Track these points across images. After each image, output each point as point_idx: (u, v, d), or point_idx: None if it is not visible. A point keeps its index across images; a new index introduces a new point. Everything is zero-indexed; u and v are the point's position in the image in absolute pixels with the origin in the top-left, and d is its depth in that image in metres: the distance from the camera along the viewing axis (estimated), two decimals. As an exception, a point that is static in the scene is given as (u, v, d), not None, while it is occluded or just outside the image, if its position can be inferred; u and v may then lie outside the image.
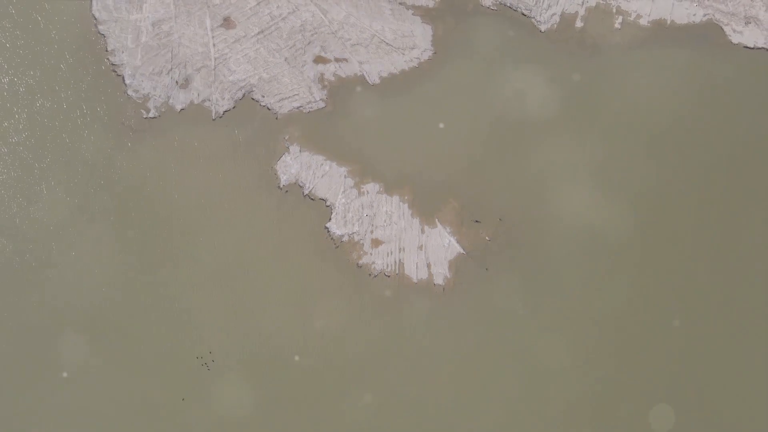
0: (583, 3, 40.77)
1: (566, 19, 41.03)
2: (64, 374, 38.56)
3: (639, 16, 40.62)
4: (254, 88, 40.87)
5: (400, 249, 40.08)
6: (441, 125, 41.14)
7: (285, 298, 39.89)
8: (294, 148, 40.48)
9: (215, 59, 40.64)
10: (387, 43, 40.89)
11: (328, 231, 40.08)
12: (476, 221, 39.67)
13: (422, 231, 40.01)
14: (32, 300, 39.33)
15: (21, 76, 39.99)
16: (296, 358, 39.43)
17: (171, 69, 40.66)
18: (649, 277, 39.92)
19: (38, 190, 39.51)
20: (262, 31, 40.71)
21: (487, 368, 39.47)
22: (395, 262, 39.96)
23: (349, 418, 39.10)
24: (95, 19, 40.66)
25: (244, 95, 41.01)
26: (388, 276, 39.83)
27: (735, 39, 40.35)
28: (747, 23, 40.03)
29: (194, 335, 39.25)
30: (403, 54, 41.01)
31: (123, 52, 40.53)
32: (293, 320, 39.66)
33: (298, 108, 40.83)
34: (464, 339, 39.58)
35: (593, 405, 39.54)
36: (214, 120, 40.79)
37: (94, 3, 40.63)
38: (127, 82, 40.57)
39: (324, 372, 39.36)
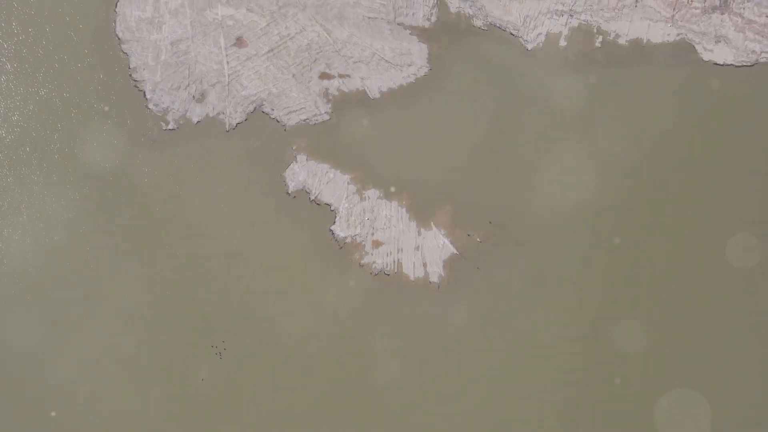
0: (566, 23, 41.58)
1: (551, 39, 41.72)
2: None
3: (618, 36, 41.38)
4: (264, 102, 41.63)
5: (398, 250, 41.04)
6: (436, 136, 41.40)
7: (292, 295, 40.80)
8: (301, 157, 41.34)
9: (229, 76, 41.48)
10: (386, 61, 41.66)
11: (333, 233, 41.10)
12: (468, 234, 40.47)
13: (419, 233, 41.03)
14: (63, 295, 40.38)
15: (57, 90, 40.97)
16: (301, 349, 40.14)
17: (188, 85, 41.54)
18: (635, 274, 40.55)
19: (72, 196, 40.64)
20: (271, 50, 41.50)
21: (479, 361, 40.28)
22: (394, 261, 40.98)
23: (351, 407, 40.12)
24: (119, 39, 41.40)
25: (255, 109, 41.69)
26: (388, 274, 40.86)
27: (706, 56, 41.07)
28: (717, 42, 40.90)
29: (207, 327, 40.11)
30: (401, 70, 41.75)
31: (144, 69, 41.36)
32: (299, 315, 40.51)
33: (304, 120, 41.63)
34: (458, 333, 40.32)
35: (586, 397, 40.17)
36: (227, 131, 41.55)
37: (117, 24, 41.32)
38: (149, 96, 41.33)
39: (327, 364, 40.19)
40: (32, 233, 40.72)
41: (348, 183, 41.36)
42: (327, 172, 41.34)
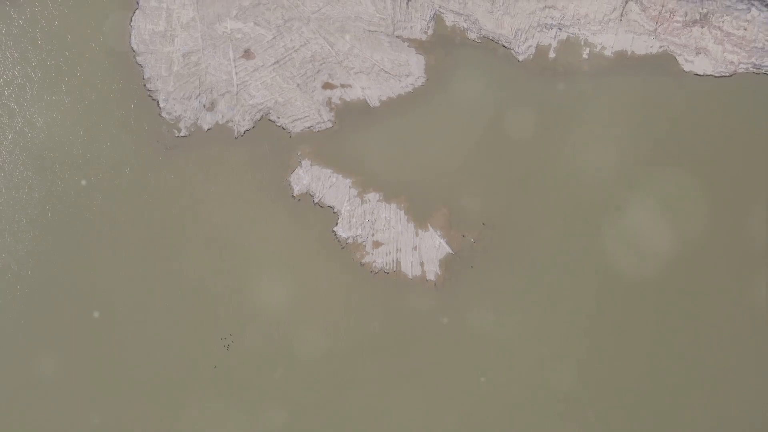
0: (555, 36, 42.03)
1: (541, 51, 42.14)
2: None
3: (604, 48, 41.76)
4: (271, 111, 42.38)
5: (397, 250, 41.84)
6: (434, 139, 41.97)
7: (297, 292, 41.63)
8: (305, 163, 42.09)
9: (237, 86, 42.17)
10: (386, 71, 42.22)
11: (335, 234, 41.99)
12: (463, 235, 41.09)
13: (416, 234, 41.78)
14: (82, 292, 41.50)
15: (79, 98, 41.86)
16: (304, 342, 41.07)
17: (199, 94, 42.24)
18: (621, 271, 40.94)
19: (92, 198, 41.51)
20: (277, 61, 42.15)
21: (474, 355, 41.08)
22: (393, 261, 41.83)
23: (351, 399, 41.03)
24: (134, 51, 42.02)
25: (262, 117, 42.42)
26: (387, 273, 41.76)
27: (687, 67, 41.42)
28: (697, 54, 41.37)
29: (217, 321, 41.02)
30: (400, 81, 42.32)
31: (158, 79, 42.06)
32: (304, 311, 41.47)
33: (308, 128, 42.31)
34: (452, 327, 41.15)
35: (579, 392, 40.69)
36: (236, 138, 42.33)
37: (132, 37, 41.96)
38: (162, 105, 42.09)
39: (328, 356, 41.08)
40: (55, 233, 41.73)
41: (349, 187, 42.11)
42: (330, 176, 42.12)
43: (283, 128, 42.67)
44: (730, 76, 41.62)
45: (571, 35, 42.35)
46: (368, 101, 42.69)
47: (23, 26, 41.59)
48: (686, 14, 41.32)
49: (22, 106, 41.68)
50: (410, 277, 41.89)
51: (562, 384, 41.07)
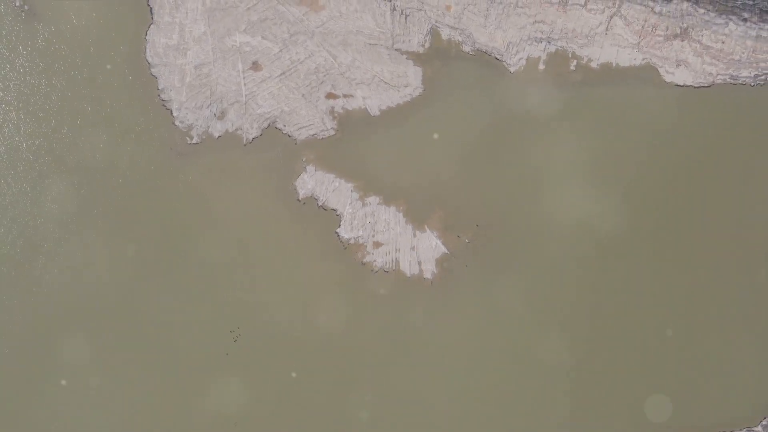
0: (545, 49, 42.93)
1: (531, 62, 42.88)
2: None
3: (590, 60, 42.71)
4: (277, 119, 43.11)
5: (396, 250, 42.97)
6: (431, 146, 42.74)
7: (302, 289, 42.81)
8: (310, 168, 43.01)
9: (246, 96, 42.94)
10: (385, 82, 42.93)
11: (338, 235, 43.05)
12: (458, 236, 42.01)
13: (414, 235, 42.95)
14: (98, 292, 42.60)
15: (100, 107, 42.75)
16: (309, 335, 42.13)
17: (210, 104, 42.96)
18: (609, 272, 42.53)
19: (111, 198, 42.52)
20: (283, 73, 42.93)
21: (466, 350, 42.35)
22: (392, 260, 43.02)
23: (352, 387, 42.52)
24: (148, 63, 42.82)
25: (269, 125, 43.14)
26: (387, 272, 42.96)
27: (668, 78, 42.41)
28: (678, 66, 42.41)
29: (226, 317, 42.13)
30: (399, 91, 43.03)
31: (171, 90, 42.79)
32: (308, 306, 42.69)
33: (313, 135, 43.10)
34: (448, 323, 42.44)
35: (570, 385, 42.06)
36: (245, 145, 43.07)
37: (147, 50, 42.75)
38: (175, 114, 42.76)
39: (332, 351, 42.22)
40: (77, 231, 42.71)
41: (351, 191, 43.09)
42: (333, 181, 43.04)
43: (289, 136, 43.42)
44: (709, 86, 42.74)
45: (560, 48, 43.09)
46: (369, 110, 43.45)
47: (49, 39, 42.69)
48: (667, 28, 42.35)
49: (48, 113, 42.79)
50: (408, 275, 43.02)
51: (558, 381, 42.01)
